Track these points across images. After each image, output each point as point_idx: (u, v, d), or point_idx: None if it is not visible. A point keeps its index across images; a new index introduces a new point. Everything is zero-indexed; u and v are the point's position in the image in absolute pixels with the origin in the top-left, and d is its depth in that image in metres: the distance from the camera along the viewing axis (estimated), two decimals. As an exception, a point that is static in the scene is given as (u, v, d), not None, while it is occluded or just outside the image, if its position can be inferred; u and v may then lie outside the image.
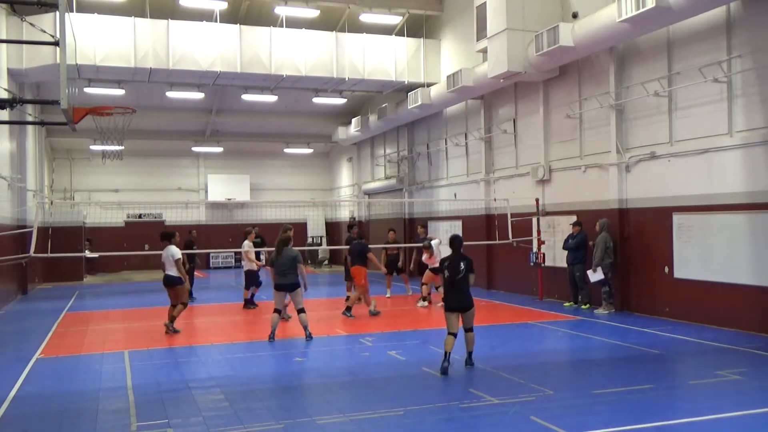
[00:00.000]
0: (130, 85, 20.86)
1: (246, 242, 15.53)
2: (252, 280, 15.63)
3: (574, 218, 15.06)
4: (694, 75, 12.00)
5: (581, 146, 15.26)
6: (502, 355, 9.95)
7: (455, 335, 8.81)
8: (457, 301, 8.87)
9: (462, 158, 20.69)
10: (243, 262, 15.97)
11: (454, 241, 9.12)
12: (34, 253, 13.43)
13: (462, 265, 8.84)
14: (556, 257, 15.75)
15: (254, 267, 15.42)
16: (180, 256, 12.18)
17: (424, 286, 15.59)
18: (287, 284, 11.35)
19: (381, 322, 13.21)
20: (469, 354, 9.07)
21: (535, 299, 15.89)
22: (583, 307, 14.24)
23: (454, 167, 21.22)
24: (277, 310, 11.46)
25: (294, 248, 11.72)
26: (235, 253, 30.08)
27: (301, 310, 11.43)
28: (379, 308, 14.30)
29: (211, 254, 30.33)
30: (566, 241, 14.65)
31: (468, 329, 9.02)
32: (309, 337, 11.27)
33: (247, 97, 23.58)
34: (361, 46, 20.25)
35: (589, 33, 13.12)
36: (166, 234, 12.59)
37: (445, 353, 8.70)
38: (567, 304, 14.75)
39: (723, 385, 7.88)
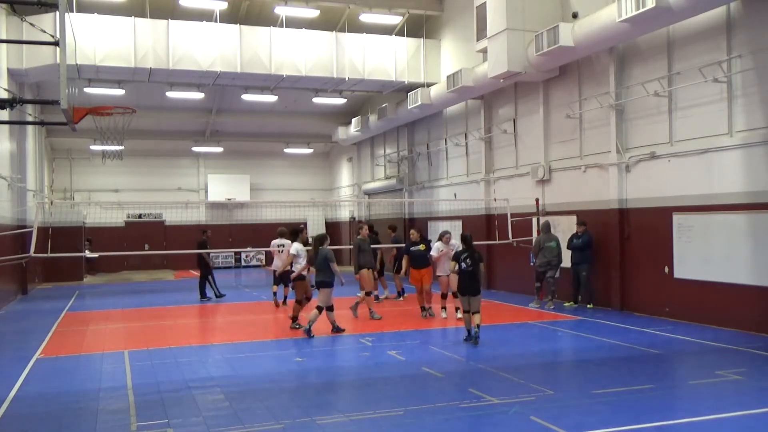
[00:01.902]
0: (130, 85, 20.86)
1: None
2: (285, 279, 16.00)
3: (574, 218, 15.07)
4: (694, 75, 12.00)
5: (581, 146, 15.26)
6: (502, 355, 9.93)
7: (470, 312, 10.66)
8: (470, 287, 10.60)
9: (462, 158, 20.69)
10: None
11: (467, 238, 10.99)
12: (34, 253, 13.44)
13: (475, 257, 10.62)
14: (556, 257, 15.74)
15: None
16: (294, 251, 12.55)
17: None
18: (318, 282, 11.73)
19: (381, 321, 13.18)
20: (477, 326, 10.60)
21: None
22: (588, 306, 14.17)
23: (454, 167, 21.23)
24: (318, 307, 11.75)
25: (326, 247, 11.94)
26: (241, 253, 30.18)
27: (319, 308, 11.69)
28: (377, 309, 14.29)
29: (211, 254, 30.22)
30: (570, 240, 14.53)
31: (475, 312, 10.62)
32: (308, 332, 11.39)
33: (247, 97, 23.59)
34: (361, 46, 20.25)
35: (589, 33, 13.12)
36: (292, 231, 12.80)
37: (467, 328, 10.76)
38: (567, 303, 14.67)
39: (723, 385, 7.88)
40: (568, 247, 14.58)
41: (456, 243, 13.19)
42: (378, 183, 26.78)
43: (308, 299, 12.72)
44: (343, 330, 11.81)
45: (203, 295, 17.86)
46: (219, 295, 17.82)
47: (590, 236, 14.20)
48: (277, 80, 20.11)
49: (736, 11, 11.38)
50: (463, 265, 10.55)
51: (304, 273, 12.60)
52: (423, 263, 13.61)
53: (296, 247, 12.65)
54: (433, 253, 13.31)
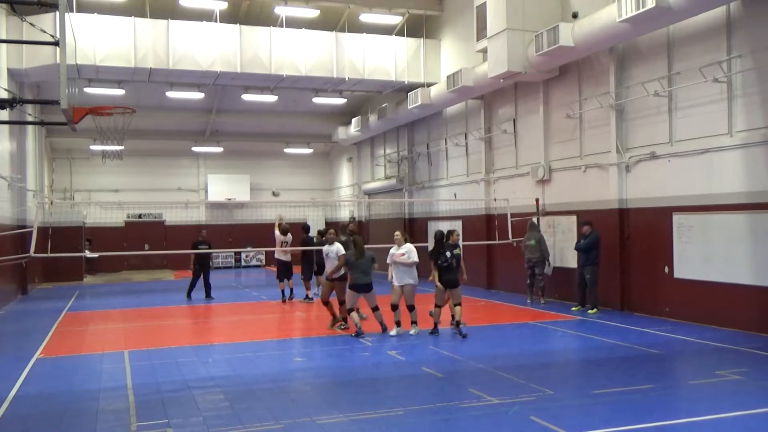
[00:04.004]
0: (130, 85, 20.86)
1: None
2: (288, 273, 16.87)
3: (574, 218, 15.08)
4: (694, 75, 12.00)
5: (581, 146, 15.26)
6: (502, 355, 9.94)
7: (441, 307, 11.54)
8: (451, 280, 11.30)
9: (462, 158, 20.69)
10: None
11: (436, 236, 11.56)
12: (34, 253, 13.43)
13: (451, 252, 11.29)
14: (557, 257, 15.75)
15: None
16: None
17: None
18: (366, 284, 11.58)
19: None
20: (457, 323, 11.30)
21: (536, 299, 15.86)
22: (590, 312, 13.63)
23: (454, 167, 21.23)
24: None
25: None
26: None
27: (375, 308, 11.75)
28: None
29: (211, 254, 30.29)
30: (578, 242, 14.09)
31: (456, 304, 11.33)
32: (384, 329, 11.72)
33: (247, 97, 23.58)
34: (361, 46, 20.25)
35: (589, 33, 13.12)
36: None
37: (435, 324, 11.51)
38: (575, 308, 14.04)
39: (723, 385, 7.88)
40: (575, 248, 14.30)
41: (409, 246, 11.75)
42: (378, 183, 26.78)
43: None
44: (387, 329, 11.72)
45: (208, 294, 17.91)
46: (188, 297, 17.91)
47: (595, 237, 13.65)
48: (277, 80, 20.11)
49: (736, 11, 11.38)
50: (440, 260, 11.24)
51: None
52: None
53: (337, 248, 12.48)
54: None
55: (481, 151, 19.20)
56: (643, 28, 12.20)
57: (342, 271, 11.96)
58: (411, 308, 11.57)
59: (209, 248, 18.14)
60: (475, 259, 19.07)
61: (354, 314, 11.58)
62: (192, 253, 17.66)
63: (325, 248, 12.85)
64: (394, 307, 11.56)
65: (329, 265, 12.49)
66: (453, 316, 11.47)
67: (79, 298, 19.26)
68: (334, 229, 13.57)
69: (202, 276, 17.87)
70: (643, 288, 13.43)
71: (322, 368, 9.32)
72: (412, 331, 11.49)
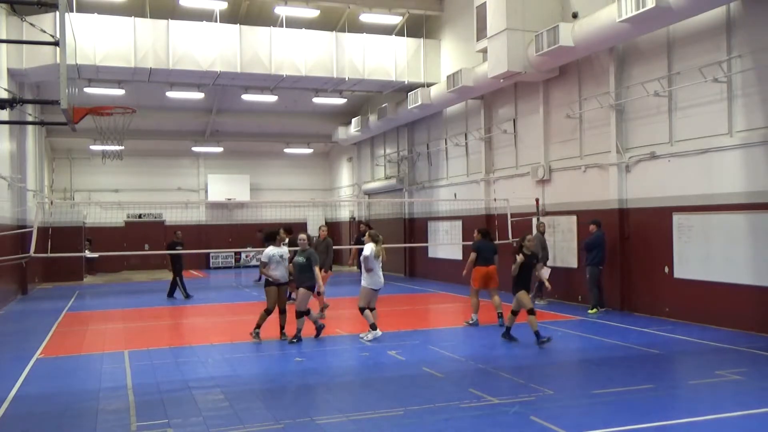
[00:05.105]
0: (130, 85, 20.86)
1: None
2: None
3: (574, 218, 15.08)
4: (694, 75, 12.00)
5: (581, 146, 15.26)
6: (502, 355, 9.94)
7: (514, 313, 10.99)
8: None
9: (462, 158, 20.69)
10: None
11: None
12: (34, 253, 13.43)
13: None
14: (557, 257, 15.76)
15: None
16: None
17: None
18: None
19: (381, 322, 13.16)
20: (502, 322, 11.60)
21: (536, 299, 15.84)
22: (590, 311, 13.60)
23: (454, 167, 21.23)
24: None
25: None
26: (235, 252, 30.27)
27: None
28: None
29: (211, 254, 30.38)
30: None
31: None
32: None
33: (247, 97, 23.60)
34: (361, 46, 20.25)
35: (589, 33, 13.12)
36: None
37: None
38: (591, 311, 13.73)
39: (723, 385, 7.88)
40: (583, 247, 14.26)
41: (366, 246, 11.24)
42: (378, 183, 26.78)
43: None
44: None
45: (170, 294, 18.08)
46: (187, 297, 17.99)
47: (596, 237, 13.56)
48: (277, 80, 20.11)
49: (736, 11, 11.38)
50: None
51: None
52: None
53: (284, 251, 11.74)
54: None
55: (481, 151, 19.20)
56: (643, 28, 12.21)
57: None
58: (360, 311, 11.27)
59: (183, 249, 18.30)
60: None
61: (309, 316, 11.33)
62: (167, 253, 17.84)
63: (275, 250, 11.59)
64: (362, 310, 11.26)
65: (282, 270, 11.54)
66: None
67: (79, 298, 19.25)
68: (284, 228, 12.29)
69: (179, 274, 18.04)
70: (643, 288, 13.43)
71: (322, 368, 9.32)
72: (365, 336, 11.09)
